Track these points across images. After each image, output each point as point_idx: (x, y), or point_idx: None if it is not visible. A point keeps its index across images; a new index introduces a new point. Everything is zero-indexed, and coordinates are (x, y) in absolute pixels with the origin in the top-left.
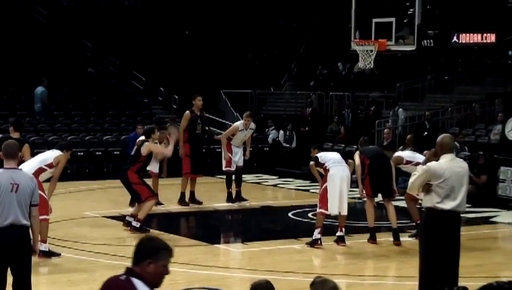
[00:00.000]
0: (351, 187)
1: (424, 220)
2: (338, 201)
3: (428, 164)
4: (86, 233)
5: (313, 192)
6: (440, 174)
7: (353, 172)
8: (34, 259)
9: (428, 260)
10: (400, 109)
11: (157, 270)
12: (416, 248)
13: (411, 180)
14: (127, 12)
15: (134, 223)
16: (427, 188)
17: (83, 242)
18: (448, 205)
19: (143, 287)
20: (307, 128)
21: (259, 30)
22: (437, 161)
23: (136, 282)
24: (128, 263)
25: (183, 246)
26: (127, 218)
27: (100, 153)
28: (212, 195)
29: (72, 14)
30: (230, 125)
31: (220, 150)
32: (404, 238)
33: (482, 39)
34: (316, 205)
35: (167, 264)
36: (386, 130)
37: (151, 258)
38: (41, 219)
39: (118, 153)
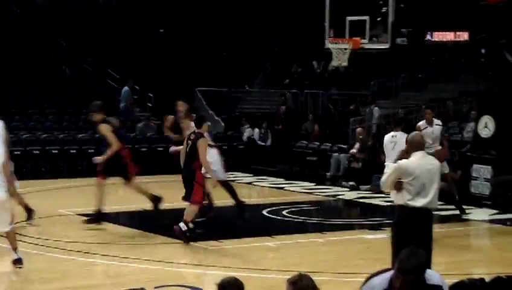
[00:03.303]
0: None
1: (396, 217)
2: None
3: (399, 161)
4: (60, 231)
5: (288, 190)
6: (411, 171)
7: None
8: (8, 258)
9: None
10: (376, 108)
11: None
12: (389, 245)
13: (383, 178)
14: (102, 10)
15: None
16: (398, 185)
17: (57, 240)
18: (419, 202)
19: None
20: (281, 127)
21: (234, 28)
22: (408, 158)
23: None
24: (102, 260)
25: (158, 243)
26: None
27: (74, 151)
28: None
29: (46, 13)
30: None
31: None
32: (378, 235)
33: (455, 37)
34: (290, 203)
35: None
36: (358, 129)
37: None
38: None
39: (92, 151)
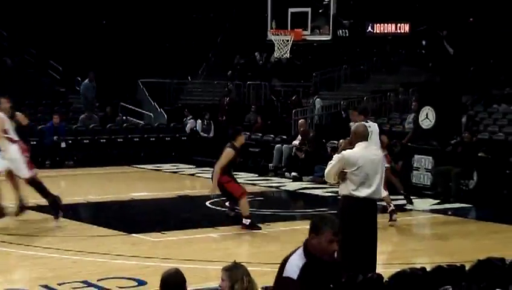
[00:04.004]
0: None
1: (340, 207)
2: None
3: (342, 152)
4: (0, 223)
5: None
6: (354, 161)
7: None
8: None
9: (345, 247)
10: (318, 99)
11: (321, 246)
12: None
13: (327, 169)
14: (44, 1)
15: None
16: (342, 176)
17: None
18: (363, 192)
19: (297, 255)
20: (224, 118)
21: (176, 19)
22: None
23: (297, 250)
24: (43, 253)
25: (100, 235)
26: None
27: None
28: (130, 185)
29: None
30: (148, 115)
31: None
32: None
33: (396, 29)
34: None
35: (331, 241)
36: (300, 121)
37: (314, 233)
38: None
39: (34, 143)
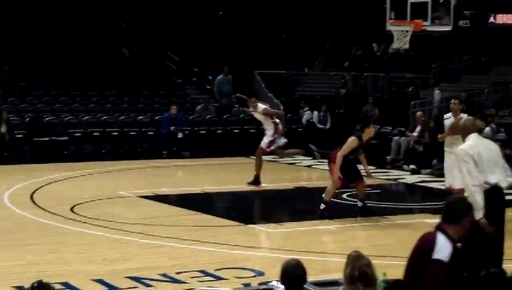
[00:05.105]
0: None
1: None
2: None
3: (460, 150)
4: (120, 212)
5: None
6: (475, 152)
7: None
8: (70, 239)
9: (472, 240)
10: (437, 91)
11: (469, 226)
12: None
13: (465, 179)
14: None
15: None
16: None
17: (118, 221)
18: (489, 179)
19: (443, 239)
20: (342, 110)
21: (294, 10)
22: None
23: (439, 235)
24: (162, 242)
25: (218, 226)
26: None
27: (134, 133)
28: (246, 176)
29: None
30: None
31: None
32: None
33: None
34: (350, 186)
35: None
36: (418, 113)
37: (468, 216)
38: None
39: (152, 133)
